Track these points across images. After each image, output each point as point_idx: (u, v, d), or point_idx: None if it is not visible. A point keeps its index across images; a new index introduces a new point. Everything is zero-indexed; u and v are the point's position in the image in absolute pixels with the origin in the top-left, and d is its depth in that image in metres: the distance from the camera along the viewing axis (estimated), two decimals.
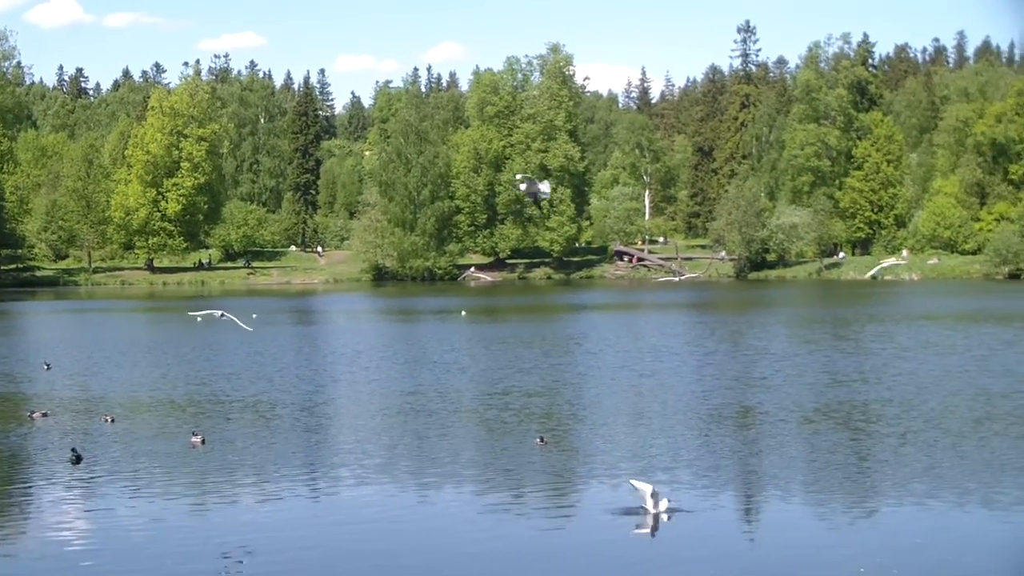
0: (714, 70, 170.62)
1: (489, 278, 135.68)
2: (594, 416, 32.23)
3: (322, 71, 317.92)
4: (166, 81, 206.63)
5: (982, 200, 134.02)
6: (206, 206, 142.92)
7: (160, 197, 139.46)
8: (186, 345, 55.12)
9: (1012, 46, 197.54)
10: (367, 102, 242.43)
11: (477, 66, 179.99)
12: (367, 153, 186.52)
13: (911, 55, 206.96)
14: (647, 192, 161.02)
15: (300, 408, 33.92)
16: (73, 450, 26.34)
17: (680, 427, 29.96)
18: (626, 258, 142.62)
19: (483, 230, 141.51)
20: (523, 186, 27.05)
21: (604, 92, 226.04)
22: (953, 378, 38.56)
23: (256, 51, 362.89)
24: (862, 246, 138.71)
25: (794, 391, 36.12)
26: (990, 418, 30.60)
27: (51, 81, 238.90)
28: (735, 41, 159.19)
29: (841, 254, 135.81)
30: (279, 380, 40.43)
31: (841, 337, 55.45)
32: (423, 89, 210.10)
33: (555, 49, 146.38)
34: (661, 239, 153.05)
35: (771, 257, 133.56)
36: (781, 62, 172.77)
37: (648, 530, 20.19)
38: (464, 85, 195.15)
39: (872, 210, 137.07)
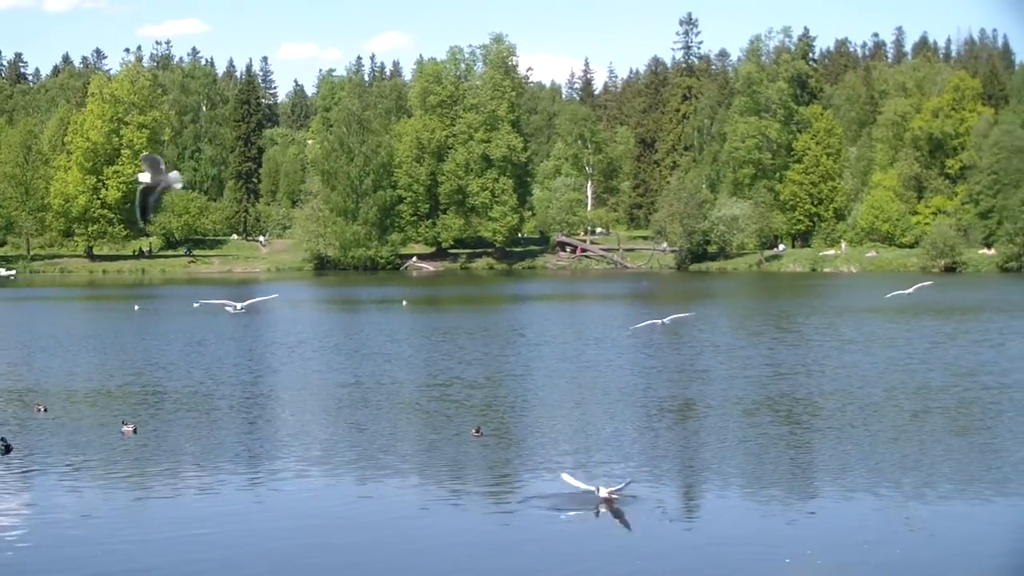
0: (656, 62, 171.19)
1: (431, 268, 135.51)
2: (534, 408, 32.35)
3: (264, 59, 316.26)
4: (107, 67, 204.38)
5: (919, 194, 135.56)
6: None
7: (100, 184, 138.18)
8: (124, 334, 54.69)
9: (948, 41, 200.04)
10: (310, 91, 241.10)
11: (420, 56, 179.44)
12: (310, 142, 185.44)
13: (851, 50, 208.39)
14: (589, 183, 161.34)
15: (237, 398, 33.82)
16: (2, 439, 26.13)
17: (621, 419, 30.10)
18: (568, 249, 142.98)
19: (425, 220, 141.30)
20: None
21: (547, 83, 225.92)
22: (895, 371, 38.94)
23: (199, 38, 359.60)
24: (802, 238, 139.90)
25: (736, 383, 36.37)
26: (929, 411, 30.93)
27: None
28: (677, 33, 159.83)
29: (781, 246, 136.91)
30: (217, 370, 40.25)
31: (784, 329, 55.92)
32: (366, 78, 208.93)
33: (498, 39, 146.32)
34: (599, 229, 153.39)
35: (712, 249, 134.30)
36: (723, 55, 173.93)
37: (582, 522, 20.32)
38: (407, 75, 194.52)
39: (812, 203, 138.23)
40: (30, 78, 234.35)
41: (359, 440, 27.49)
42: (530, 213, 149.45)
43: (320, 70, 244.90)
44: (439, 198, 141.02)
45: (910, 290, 49.08)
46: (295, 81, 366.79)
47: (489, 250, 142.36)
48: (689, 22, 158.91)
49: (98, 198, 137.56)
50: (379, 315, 68.61)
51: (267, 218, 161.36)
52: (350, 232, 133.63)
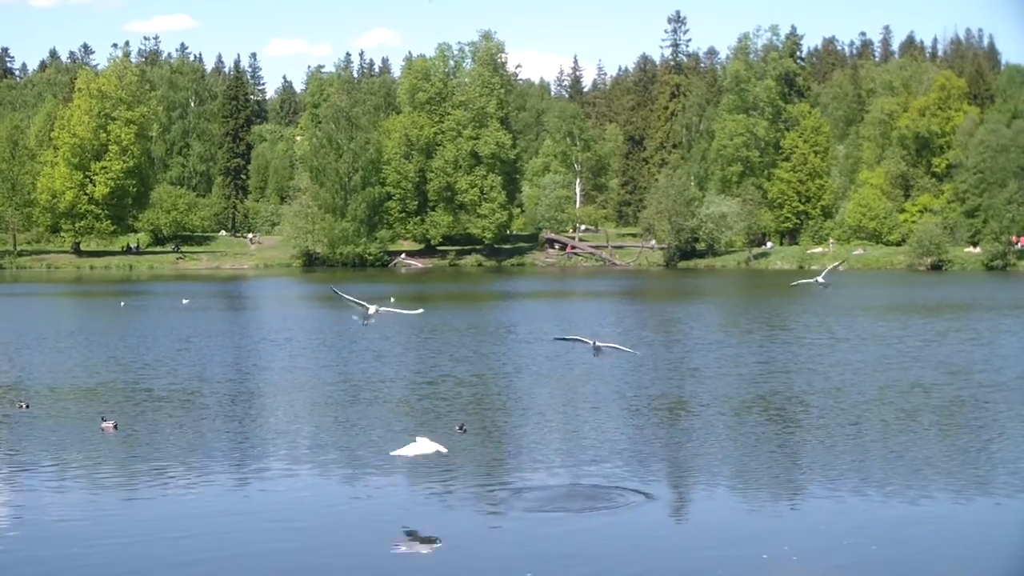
0: (645, 60, 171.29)
1: (420, 265, 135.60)
2: (522, 405, 32.29)
3: (253, 55, 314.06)
4: (95, 63, 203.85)
5: (906, 192, 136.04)
6: (135, 190, 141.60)
7: (87, 180, 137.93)
8: (110, 331, 54.63)
9: (936, 41, 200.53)
10: (299, 87, 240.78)
11: (409, 52, 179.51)
12: (298, 138, 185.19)
13: (838, 48, 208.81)
14: (578, 180, 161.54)
15: (223, 396, 33.76)
16: None
17: (609, 417, 30.08)
18: (557, 246, 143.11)
19: (414, 216, 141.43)
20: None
21: (536, 80, 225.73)
22: (888, 369, 38.94)
23: (188, 33, 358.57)
24: (790, 236, 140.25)
25: (727, 381, 36.38)
26: (919, 410, 30.89)
27: None
28: (666, 31, 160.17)
29: (769, 244, 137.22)
30: (204, 367, 40.18)
31: (775, 326, 55.98)
32: (355, 75, 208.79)
33: (487, 36, 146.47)
34: (583, 227, 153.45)
35: (700, 246, 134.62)
36: (712, 53, 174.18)
37: (567, 522, 20.29)
38: (396, 71, 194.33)
39: (799, 200, 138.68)
40: (16, 73, 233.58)
41: (345, 438, 27.46)
42: (519, 210, 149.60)
43: (309, 66, 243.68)
44: (427, 195, 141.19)
45: (820, 277, 48.85)
46: (284, 77, 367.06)
47: (478, 247, 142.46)
48: (678, 20, 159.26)
49: (85, 194, 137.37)
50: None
51: (255, 215, 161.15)
52: (338, 229, 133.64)
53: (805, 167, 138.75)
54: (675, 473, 24.16)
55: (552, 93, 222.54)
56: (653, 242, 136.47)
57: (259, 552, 18.71)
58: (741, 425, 28.83)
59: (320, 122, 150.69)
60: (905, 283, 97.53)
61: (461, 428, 27.61)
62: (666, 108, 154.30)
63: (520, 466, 24.56)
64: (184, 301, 70.25)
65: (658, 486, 22.68)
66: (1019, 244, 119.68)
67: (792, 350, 45.21)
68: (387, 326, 56.10)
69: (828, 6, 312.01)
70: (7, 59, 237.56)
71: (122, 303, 72.17)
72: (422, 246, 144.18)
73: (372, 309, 25.91)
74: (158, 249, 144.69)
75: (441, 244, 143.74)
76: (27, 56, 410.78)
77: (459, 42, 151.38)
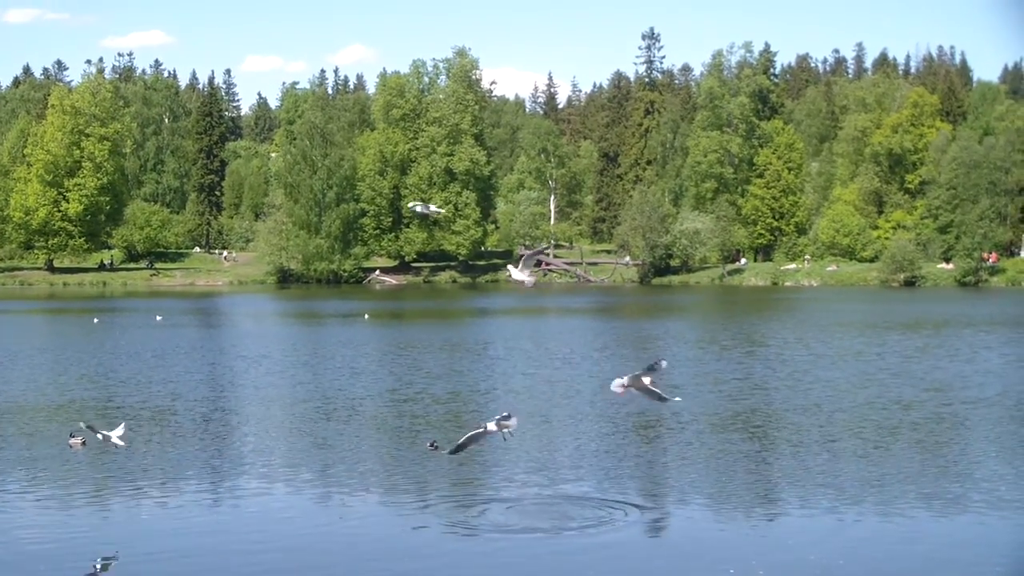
0: (619, 76, 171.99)
1: (394, 281, 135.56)
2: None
3: (228, 71, 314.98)
4: (68, 79, 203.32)
5: (879, 208, 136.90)
6: (108, 206, 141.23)
7: (61, 197, 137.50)
8: (83, 348, 54.38)
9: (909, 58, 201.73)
10: (274, 103, 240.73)
11: (384, 69, 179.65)
12: (273, 155, 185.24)
13: (812, 65, 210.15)
14: (552, 197, 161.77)
15: (197, 413, 33.57)
16: None
17: (586, 435, 29.97)
18: None
19: (388, 233, 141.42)
20: (418, 208, 26.60)
21: (511, 97, 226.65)
22: (868, 386, 38.81)
23: (163, 49, 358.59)
24: (764, 252, 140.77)
25: (706, 398, 36.17)
26: (901, 427, 30.68)
27: None
28: (640, 48, 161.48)
29: (743, 260, 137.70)
30: (177, 384, 39.93)
31: (754, 343, 55.93)
32: (330, 91, 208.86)
33: (461, 53, 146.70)
34: (549, 243, 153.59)
35: (675, 262, 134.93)
36: (686, 69, 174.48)
37: (537, 540, 20.24)
38: (371, 88, 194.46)
39: (773, 217, 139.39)
40: None
41: (319, 455, 27.32)
42: (493, 227, 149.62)
43: (284, 83, 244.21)
44: (402, 211, 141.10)
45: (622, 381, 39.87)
46: (259, 94, 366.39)
47: (452, 264, 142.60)
48: (651, 37, 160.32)
49: (59, 211, 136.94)
50: (341, 329, 68.45)
51: (230, 231, 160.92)
52: (313, 245, 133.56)
53: (779, 184, 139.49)
54: (648, 490, 24.09)
55: (527, 110, 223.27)
56: (628, 258, 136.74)
57: (231, 570, 18.58)
58: (718, 442, 28.75)
59: (295, 138, 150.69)
60: (879, 300, 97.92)
61: (432, 445, 27.44)
62: (640, 125, 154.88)
63: (493, 484, 24.42)
64: (158, 318, 69.99)
65: (630, 504, 22.56)
66: (991, 260, 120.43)
67: (771, 367, 45.17)
68: (360, 342, 56.09)
69: (801, 23, 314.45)
70: None
71: (95, 320, 71.86)
72: (396, 263, 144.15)
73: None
74: (132, 266, 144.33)
75: (415, 261, 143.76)
76: (1, 72, 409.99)
77: (433, 59, 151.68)
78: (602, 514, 21.57)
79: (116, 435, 19.88)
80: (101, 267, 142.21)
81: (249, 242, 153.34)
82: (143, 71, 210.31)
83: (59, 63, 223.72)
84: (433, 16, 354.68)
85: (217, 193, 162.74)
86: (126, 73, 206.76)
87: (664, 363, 19.73)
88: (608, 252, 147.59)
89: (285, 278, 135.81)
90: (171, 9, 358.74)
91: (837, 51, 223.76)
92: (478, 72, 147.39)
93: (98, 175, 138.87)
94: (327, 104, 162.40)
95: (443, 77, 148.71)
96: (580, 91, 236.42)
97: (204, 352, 52.93)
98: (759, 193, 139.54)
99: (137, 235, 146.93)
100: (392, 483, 24.55)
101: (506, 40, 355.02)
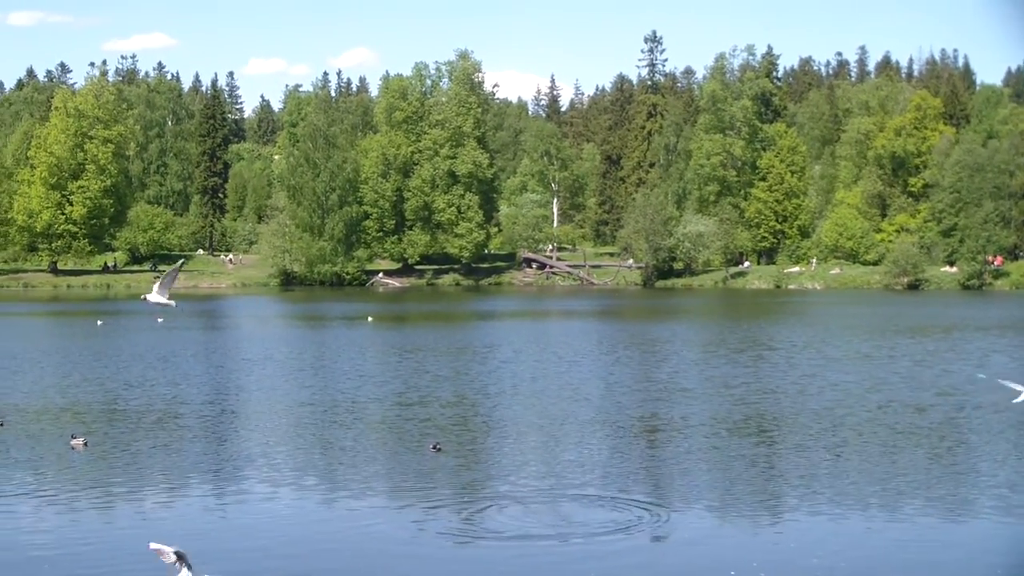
0: (622, 79, 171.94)
1: (397, 284, 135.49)
2: (501, 426, 32.01)
3: (231, 74, 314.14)
4: (72, 81, 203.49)
5: (883, 211, 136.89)
6: (112, 209, 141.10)
7: (65, 200, 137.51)
8: (86, 349, 54.34)
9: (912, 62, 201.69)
10: (277, 106, 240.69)
11: (387, 71, 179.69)
12: (276, 157, 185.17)
13: (815, 68, 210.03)
14: (555, 200, 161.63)
15: (201, 415, 33.53)
16: None
17: (590, 438, 29.86)
18: (535, 265, 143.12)
19: (391, 236, 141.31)
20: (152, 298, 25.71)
21: (514, 99, 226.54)
22: (881, 390, 38.65)
23: (166, 52, 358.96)
24: (767, 255, 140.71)
25: (714, 401, 36.12)
26: (912, 431, 30.65)
27: None
28: (642, 51, 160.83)
29: (746, 263, 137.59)
30: (181, 386, 39.88)
31: (762, 346, 55.58)
32: (333, 94, 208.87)
33: (464, 56, 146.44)
34: (551, 247, 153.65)
35: (678, 265, 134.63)
36: (688, 72, 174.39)
37: (540, 544, 20.15)
38: (374, 90, 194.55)
39: (776, 220, 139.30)
40: None
41: (324, 458, 27.30)
42: (496, 229, 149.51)
43: (287, 85, 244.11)
44: (405, 214, 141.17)
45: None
46: (262, 96, 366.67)
47: (455, 266, 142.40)
48: (654, 40, 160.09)
49: (62, 213, 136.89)
50: (345, 331, 68.39)
51: (233, 233, 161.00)
52: (316, 248, 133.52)
53: (782, 186, 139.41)
54: (656, 495, 23.94)
55: (530, 112, 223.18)
56: (631, 261, 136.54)
57: (236, 572, 18.55)
58: (728, 446, 28.62)
59: (298, 141, 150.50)
60: (884, 303, 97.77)
61: (435, 447, 27.44)
62: (643, 128, 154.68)
63: (499, 488, 24.33)
64: (159, 320, 69.97)
65: (635, 507, 22.47)
66: (996, 264, 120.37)
67: (780, 370, 45.06)
68: (364, 345, 56.02)
69: (804, 26, 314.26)
70: None
71: (99, 322, 71.84)
72: (399, 265, 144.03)
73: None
74: (135, 268, 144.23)
75: (418, 263, 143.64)
76: (4, 74, 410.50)
77: (436, 61, 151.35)
78: (611, 518, 21.51)
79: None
80: (105, 269, 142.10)
81: (252, 244, 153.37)
82: (146, 73, 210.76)
83: (62, 65, 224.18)
84: (436, 19, 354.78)
85: (220, 195, 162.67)
86: (129, 76, 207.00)
87: None
88: (611, 255, 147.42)
89: (288, 280, 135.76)
90: (174, 12, 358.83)
91: (840, 54, 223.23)
92: (481, 75, 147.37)
93: (102, 177, 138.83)
94: (330, 107, 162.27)
95: (446, 80, 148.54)
96: (583, 94, 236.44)
97: (208, 354, 52.93)
98: (762, 196, 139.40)
99: (141, 237, 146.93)
100: (397, 486, 24.49)
101: (509, 43, 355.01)
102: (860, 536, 20.52)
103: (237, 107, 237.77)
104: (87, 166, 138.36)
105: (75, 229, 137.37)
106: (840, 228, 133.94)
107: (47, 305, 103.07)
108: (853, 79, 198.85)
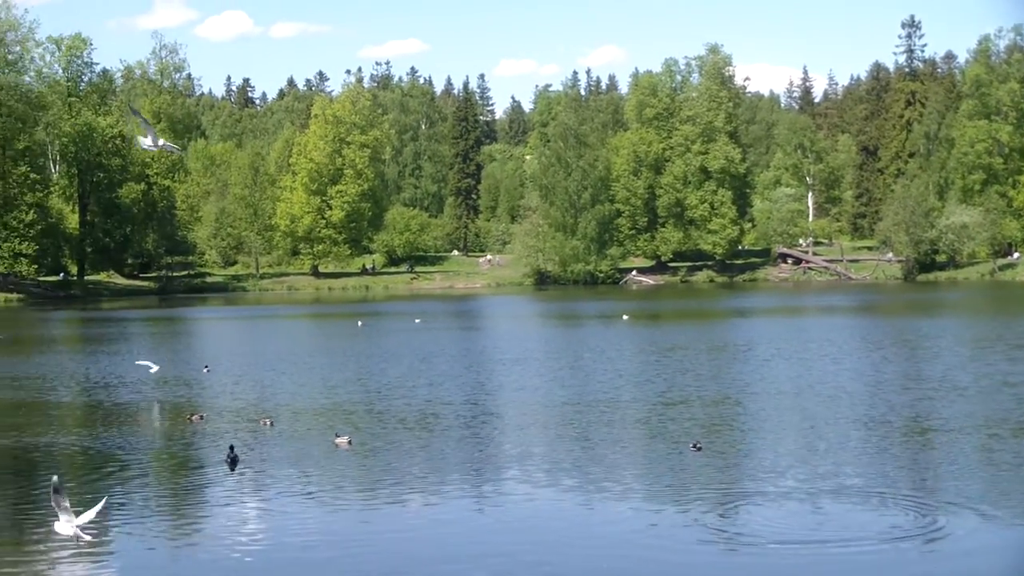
0: (878, 67, 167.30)
1: (651, 281, 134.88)
2: (762, 424, 30.97)
3: (482, 76, 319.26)
4: (329, 89, 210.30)
5: None
6: (369, 212, 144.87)
7: (324, 204, 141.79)
8: (349, 350, 55.43)
9: None
10: (527, 106, 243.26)
11: (636, 68, 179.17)
12: (527, 157, 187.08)
13: None
14: (810, 193, 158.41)
15: (460, 414, 33.53)
16: (231, 448, 26.51)
17: (854, 439, 28.51)
18: (790, 260, 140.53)
19: (644, 233, 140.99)
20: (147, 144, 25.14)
21: (766, 92, 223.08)
22: None
23: (418, 57, 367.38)
24: None
25: (995, 400, 34.13)
26: None
27: (219, 92, 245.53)
28: (899, 37, 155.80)
29: (1016, 254, 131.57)
30: (441, 386, 40.09)
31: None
32: (582, 92, 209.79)
33: (714, 50, 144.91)
34: (805, 240, 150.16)
35: (941, 258, 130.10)
36: (949, 57, 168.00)
37: (797, 556, 19.15)
38: (623, 88, 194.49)
39: None
40: (257, 102, 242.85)
41: (581, 458, 26.81)
42: (750, 225, 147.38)
43: (537, 86, 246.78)
44: (657, 211, 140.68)
45: None
46: (512, 97, 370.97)
47: (709, 263, 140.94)
48: (912, 25, 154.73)
49: (323, 218, 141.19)
50: (601, 330, 68.12)
51: (487, 234, 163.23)
52: (569, 247, 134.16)
53: None
54: (921, 499, 22.36)
55: (782, 105, 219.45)
56: (890, 255, 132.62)
57: (500, 569, 18.29)
58: (1007, 448, 26.80)
59: (549, 141, 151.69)
60: None
61: (695, 446, 26.83)
62: (901, 116, 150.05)
63: (759, 488, 23.32)
64: (416, 320, 70.92)
65: (910, 510, 21.17)
66: None
67: None
68: (620, 343, 55.46)
69: None
70: (248, 89, 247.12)
71: (359, 323, 73.39)
72: (653, 263, 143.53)
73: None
74: (392, 270, 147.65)
75: (672, 260, 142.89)
76: (267, 85, 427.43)
77: (686, 57, 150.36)
78: (892, 522, 20.33)
79: (79, 522, 19.26)
80: (363, 271, 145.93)
81: (506, 244, 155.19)
82: (399, 79, 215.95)
83: (320, 74, 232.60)
84: (684, 14, 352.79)
85: (474, 196, 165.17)
86: (383, 81, 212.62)
87: None
88: (869, 248, 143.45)
89: (542, 280, 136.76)
90: (427, 17, 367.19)
91: None
92: (731, 68, 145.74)
93: (359, 182, 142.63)
94: (580, 105, 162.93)
95: (695, 75, 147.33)
96: (837, 84, 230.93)
97: (466, 354, 53.22)
98: None
99: (397, 240, 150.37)
100: (656, 486, 23.79)
101: (759, 35, 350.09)
102: None
103: (488, 108, 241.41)
104: (345, 171, 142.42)
105: (335, 233, 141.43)
106: None
107: (310, 307, 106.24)
108: None
